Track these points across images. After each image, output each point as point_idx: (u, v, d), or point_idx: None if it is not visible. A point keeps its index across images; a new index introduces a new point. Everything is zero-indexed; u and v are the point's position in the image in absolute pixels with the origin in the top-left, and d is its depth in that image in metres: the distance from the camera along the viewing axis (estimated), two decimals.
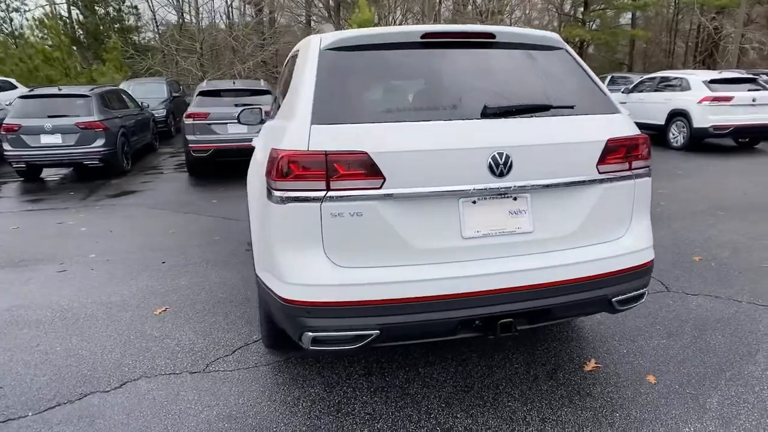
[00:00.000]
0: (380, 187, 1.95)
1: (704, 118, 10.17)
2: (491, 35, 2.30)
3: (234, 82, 9.70)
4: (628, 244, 2.25)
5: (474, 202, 2.04)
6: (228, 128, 8.48)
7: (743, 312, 3.19)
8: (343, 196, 1.94)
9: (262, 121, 4.68)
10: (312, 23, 29.13)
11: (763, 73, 12.88)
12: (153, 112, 12.33)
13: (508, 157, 2.00)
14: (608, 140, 2.16)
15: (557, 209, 2.13)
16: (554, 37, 2.43)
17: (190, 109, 8.46)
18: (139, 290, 3.87)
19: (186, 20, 23.59)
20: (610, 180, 2.18)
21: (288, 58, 3.35)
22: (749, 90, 10.21)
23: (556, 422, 2.23)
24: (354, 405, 2.39)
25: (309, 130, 1.98)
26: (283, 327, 2.32)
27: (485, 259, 2.06)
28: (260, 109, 4.73)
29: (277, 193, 2.01)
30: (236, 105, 8.59)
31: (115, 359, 2.86)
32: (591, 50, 32.12)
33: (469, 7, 30.08)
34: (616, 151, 2.18)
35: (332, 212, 1.95)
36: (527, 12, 32.82)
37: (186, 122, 8.40)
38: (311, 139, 1.96)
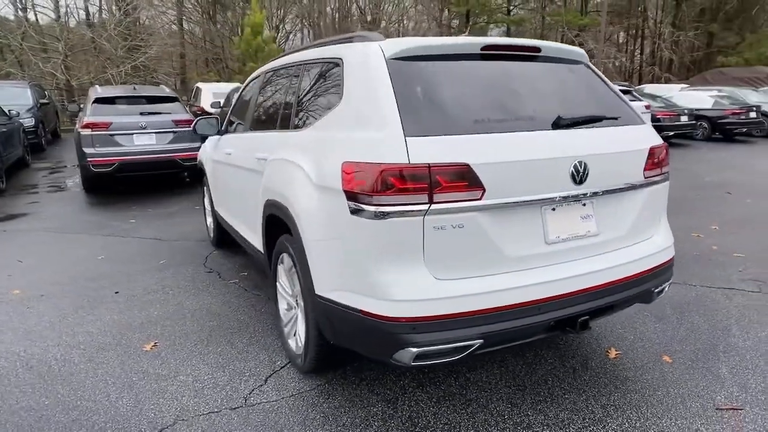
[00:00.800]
0: (480, 198, 1.98)
1: None
2: (538, 49, 2.44)
3: (135, 88, 8.85)
4: (660, 241, 2.53)
5: (554, 209, 2.16)
6: (134, 139, 7.74)
7: (703, 294, 3.72)
8: (446, 209, 1.94)
9: (220, 132, 4.41)
10: (217, 26, 27.41)
11: (620, 86, 14.91)
12: (21, 121, 10.75)
13: (585, 165, 2.16)
14: (650, 148, 2.42)
15: (615, 212, 2.34)
16: (581, 52, 2.65)
17: (88, 119, 7.56)
18: (107, 326, 3.40)
19: (48, 18, 20.87)
20: (651, 184, 2.45)
21: (287, 65, 3.19)
22: None
23: (615, 407, 2.43)
24: (427, 418, 2.37)
25: (405, 142, 1.95)
26: (362, 348, 2.24)
27: (566, 262, 2.19)
28: (217, 119, 4.44)
29: (372, 208, 1.95)
30: (142, 113, 7.92)
31: (130, 405, 2.50)
32: None
33: (355, 12, 30.66)
34: (654, 158, 2.45)
35: (435, 225, 1.94)
36: (405, 22, 34.32)
37: (83, 133, 7.49)
38: (410, 151, 1.93)
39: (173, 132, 8.01)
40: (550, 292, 2.10)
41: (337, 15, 30.69)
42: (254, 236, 3.36)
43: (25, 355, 3.02)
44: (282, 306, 2.99)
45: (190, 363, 2.90)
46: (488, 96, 2.29)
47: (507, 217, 2.06)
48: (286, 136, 2.82)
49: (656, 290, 2.46)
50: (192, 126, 4.38)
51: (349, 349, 2.33)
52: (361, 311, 2.05)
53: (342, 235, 2.11)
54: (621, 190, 2.33)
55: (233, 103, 4.36)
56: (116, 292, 4.01)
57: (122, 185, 8.44)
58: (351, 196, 2.04)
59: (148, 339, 3.20)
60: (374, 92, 2.14)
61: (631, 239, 2.41)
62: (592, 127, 2.30)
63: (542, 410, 2.42)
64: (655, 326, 3.22)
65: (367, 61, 2.25)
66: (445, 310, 1.96)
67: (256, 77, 3.84)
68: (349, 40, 2.54)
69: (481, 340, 2.00)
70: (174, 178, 8.99)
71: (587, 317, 2.21)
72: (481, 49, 2.31)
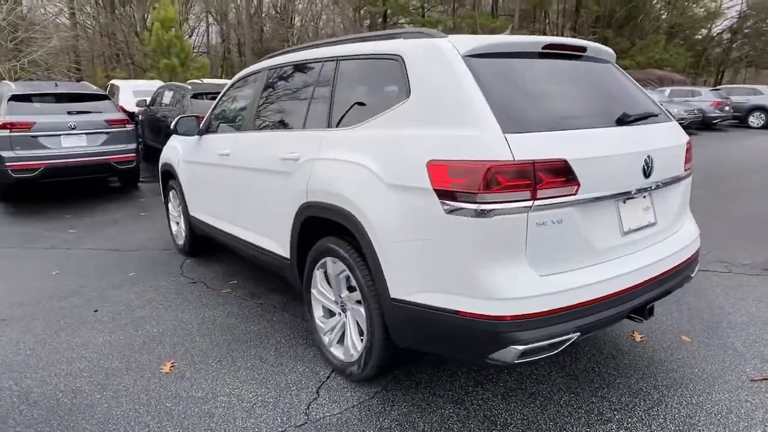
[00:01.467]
0: (575, 193, 2.01)
1: None
2: (584, 48, 2.53)
3: (56, 84, 7.97)
4: (692, 229, 2.72)
5: (624, 202, 2.25)
6: (62, 141, 6.98)
7: None
8: (547, 205, 1.95)
9: (200, 132, 4.12)
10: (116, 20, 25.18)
11: None
12: None
13: (652, 159, 2.26)
14: (686, 142, 2.59)
15: (666, 203, 2.48)
16: (612, 52, 2.78)
17: (5, 118, 6.69)
18: (103, 348, 3.04)
19: None
20: (688, 176, 2.62)
21: (311, 60, 3.02)
22: None
23: (666, 387, 2.58)
24: (503, 416, 2.37)
25: (505, 139, 1.92)
26: (450, 349, 2.21)
27: (637, 252, 2.28)
28: (196, 117, 4.14)
29: (475, 206, 1.91)
30: (70, 112, 7.16)
31: None
32: None
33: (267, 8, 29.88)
34: (689, 152, 2.62)
35: (537, 221, 1.94)
36: (319, 24, 34.05)
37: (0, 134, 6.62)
38: (512, 148, 1.91)
39: (106, 133, 7.32)
40: (631, 281, 2.18)
41: (244, 12, 29.66)
42: (270, 241, 3.15)
43: (20, 390, 2.61)
44: (317, 313, 2.84)
45: (223, 381, 2.66)
46: (558, 93, 2.33)
47: (593, 211, 2.11)
48: (327, 134, 2.66)
49: (692, 275, 2.64)
50: (173, 125, 4.02)
51: (425, 352, 2.26)
52: (458, 312, 2.00)
53: (431, 234, 2.04)
54: (671, 182, 2.48)
55: (217, 102, 4.06)
56: (95, 311, 3.58)
57: (45, 192, 7.58)
58: (446, 194, 1.98)
59: (161, 359, 2.90)
60: (457, 89, 2.09)
61: (674, 228, 2.57)
62: (646, 123, 2.42)
63: (604, 396, 2.50)
64: (661, 309, 3.45)
65: (440, 58, 2.19)
66: (549, 306, 1.96)
67: (255, 72, 3.60)
68: (399, 36, 2.47)
69: (578, 333, 2.02)
70: (101, 184, 8.24)
71: (653, 304, 2.32)
72: (542, 48, 2.34)
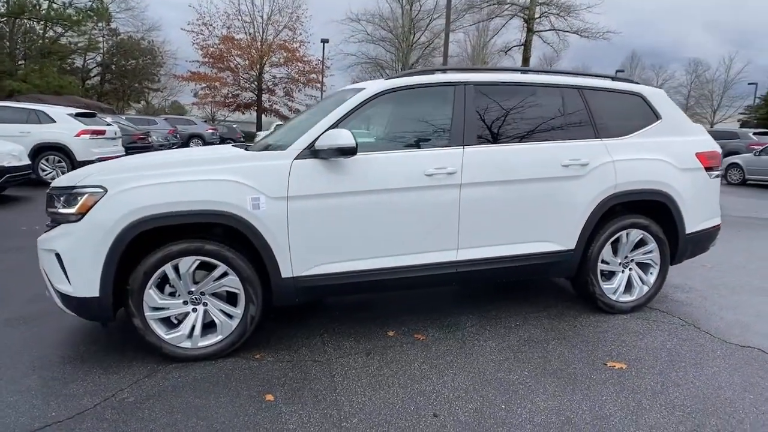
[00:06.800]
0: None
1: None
2: None
3: None
4: None
5: None
6: None
7: None
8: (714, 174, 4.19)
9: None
10: None
11: None
12: None
13: None
14: None
15: None
16: None
17: None
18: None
19: None
20: None
21: (552, 84, 3.69)
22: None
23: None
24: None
25: (708, 140, 4.02)
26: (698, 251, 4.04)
27: None
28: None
29: (716, 173, 3.93)
30: None
31: None
32: None
33: None
34: None
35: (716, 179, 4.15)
36: None
37: None
38: (712, 145, 4.04)
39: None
40: None
41: None
42: (538, 244, 3.49)
43: None
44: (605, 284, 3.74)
45: (351, 387, 2.80)
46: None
47: None
48: (609, 143, 3.61)
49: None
50: (306, 144, 2.87)
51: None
52: (716, 226, 3.97)
53: (702, 188, 3.86)
54: None
55: (347, 117, 3.16)
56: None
57: None
58: (708, 169, 3.86)
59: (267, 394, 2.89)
60: (680, 115, 3.93)
61: None
62: None
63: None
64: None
65: (665, 97, 3.91)
66: None
67: (433, 86, 3.41)
68: (627, 80, 3.91)
69: None
70: None
71: None
72: None
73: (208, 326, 3.07)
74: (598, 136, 3.67)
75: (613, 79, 3.99)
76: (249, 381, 2.79)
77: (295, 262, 3.05)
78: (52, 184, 3.11)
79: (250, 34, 32.99)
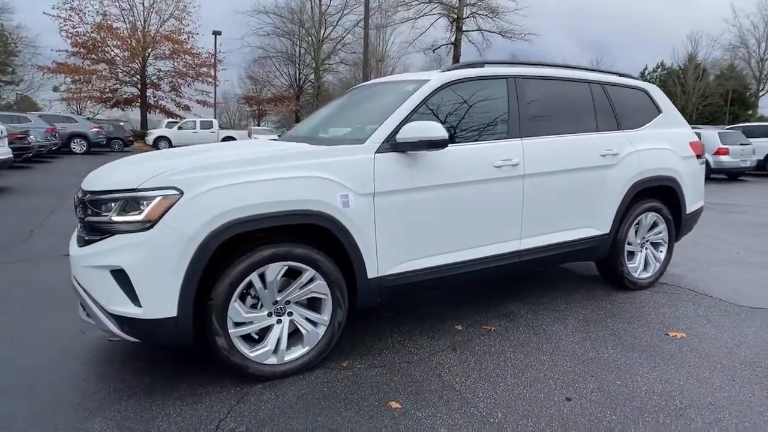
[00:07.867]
0: None
1: None
2: None
3: None
4: None
5: None
6: None
7: None
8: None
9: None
10: None
11: None
12: None
13: None
14: None
15: None
16: None
17: None
18: None
19: None
20: None
21: (575, 80, 3.84)
22: None
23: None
24: None
25: (696, 132, 4.53)
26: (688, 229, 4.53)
27: None
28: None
29: (701, 160, 4.45)
30: None
31: None
32: None
33: None
34: None
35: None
36: None
37: None
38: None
39: None
40: None
41: None
42: (584, 230, 3.70)
43: None
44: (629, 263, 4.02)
45: (466, 380, 3.42)
46: None
47: None
48: (630, 134, 3.91)
49: None
50: (386, 135, 2.79)
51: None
52: (702, 206, 4.48)
53: (696, 174, 4.34)
54: None
55: (418, 108, 3.07)
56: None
57: None
58: (698, 156, 4.35)
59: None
60: (674, 109, 4.38)
61: None
62: None
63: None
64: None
65: (661, 93, 4.33)
66: None
67: (489, 78, 3.44)
68: (629, 76, 4.24)
69: None
70: None
71: None
72: None
73: (290, 339, 2.80)
74: (620, 128, 3.96)
75: (620, 75, 4.34)
76: (359, 391, 2.59)
77: (381, 261, 2.90)
78: (84, 188, 2.63)
79: (130, 22, 30.16)
